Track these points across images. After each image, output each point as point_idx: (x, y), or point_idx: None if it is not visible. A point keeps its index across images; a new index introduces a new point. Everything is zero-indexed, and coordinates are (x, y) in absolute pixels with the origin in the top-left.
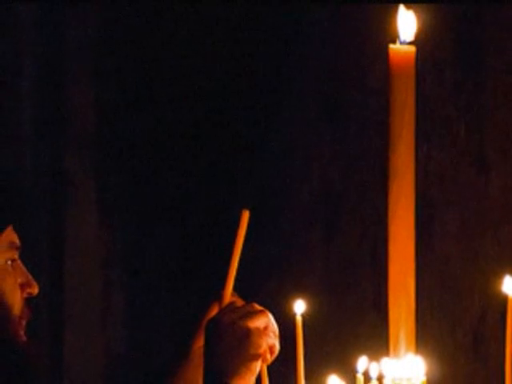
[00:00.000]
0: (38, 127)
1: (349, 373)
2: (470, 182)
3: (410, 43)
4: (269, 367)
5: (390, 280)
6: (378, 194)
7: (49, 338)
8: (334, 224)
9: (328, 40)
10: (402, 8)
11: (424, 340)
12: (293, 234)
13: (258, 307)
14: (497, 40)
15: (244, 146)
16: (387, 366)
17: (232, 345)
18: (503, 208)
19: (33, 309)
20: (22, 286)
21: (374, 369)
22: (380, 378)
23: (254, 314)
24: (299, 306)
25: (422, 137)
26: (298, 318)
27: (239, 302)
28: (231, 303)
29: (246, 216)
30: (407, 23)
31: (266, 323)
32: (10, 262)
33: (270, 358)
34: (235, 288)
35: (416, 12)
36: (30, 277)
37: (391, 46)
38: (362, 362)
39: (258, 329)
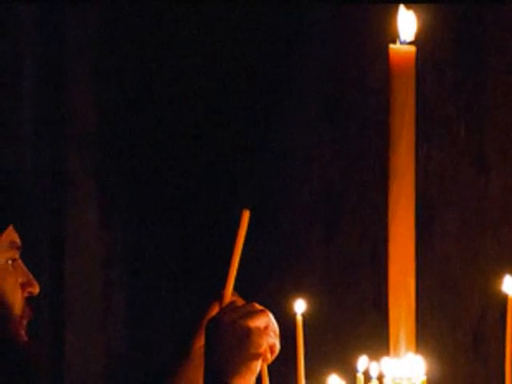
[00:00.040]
0: (38, 127)
1: (349, 372)
2: (470, 181)
3: (410, 43)
4: (269, 367)
5: (390, 280)
6: (378, 193)
7: (49, 338)
8: (334, 224)
9: (328, 40)
10: (402, 8)
11: (424, 339)
12: (293, 234)
13: (258, 307)
14: (497, 40)
15: (244, 146)
16: (387, 365)
17: (232, 344)
18: (503, 208)
19: (34, 308)
20: (23, 286)
21: (374, 368)
22: (380, 378)
23: (254, 313)
24: (299, 306)
25: (422, 137)
26: (299, 318)
27: (240, 302)
28: (231, 303)
29: (246, 216)
30: (407, 23)
31: (266, 323)
32: (10, 262)
33: (270, 358)
34: (235, 288)
35: (416, 12)
36: (31, 276)
37: (391, 45)
38: (362, 362)
39: (258, 328)
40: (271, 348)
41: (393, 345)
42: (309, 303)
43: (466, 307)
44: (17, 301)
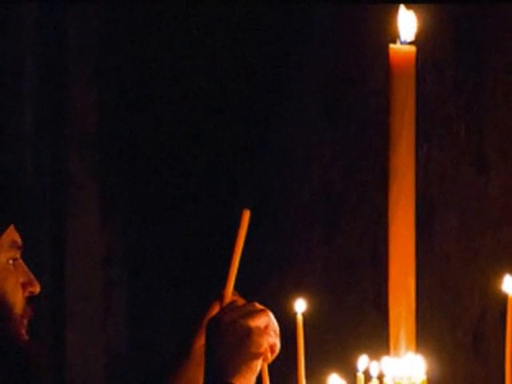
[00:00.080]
0: (38, 127)
1: (349, 372)
2: (469, 181)
3: (411, 43)
4: (270, 366)
5: (391, 279)
6: (378, 193)
7: (50, 338)
8: (334, 224)
9: (328, 40)
10: (402, 8)
11: (424, 339)
12: (293, 234)
13: (258, 306)
14: (497, 40)
15: (244, 146)
16: (387, 364)
17: (233, 344)
18: (503, 208)
19: (34, 308)
20: (24, 285)
21: (375, 368)
22: (380, 377)
23: (254, 313)
24: (300, 305)
25: (422, 137)
26: (299, 317)
27: (240, 301)
28: (232, 302)
29: (246, 215)
30: (407, 23)
31: (266, 322)
32: (11, 262)
33: (270, 357)
34: (236, 287)
35: (416, 12)
36: (32, 276)
37: (391, 45)
38: (363, 361)
39: (258, 328)
40: (272, 347)
41: (393, 344)
42: (309, 303)
43: (466, 307)
44: (18, 300)
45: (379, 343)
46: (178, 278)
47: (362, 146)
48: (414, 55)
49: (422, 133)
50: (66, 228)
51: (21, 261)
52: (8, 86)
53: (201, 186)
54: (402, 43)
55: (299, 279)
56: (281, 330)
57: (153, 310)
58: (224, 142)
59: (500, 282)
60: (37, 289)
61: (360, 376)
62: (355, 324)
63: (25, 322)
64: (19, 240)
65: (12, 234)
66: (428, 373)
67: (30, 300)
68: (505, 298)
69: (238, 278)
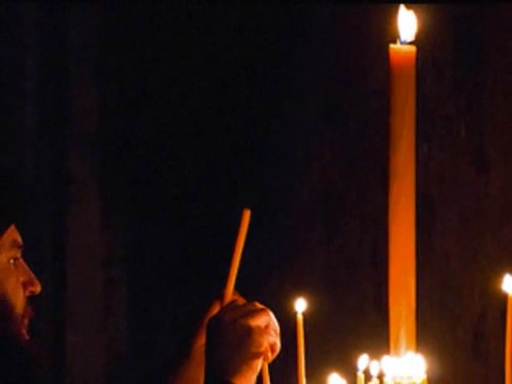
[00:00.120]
0: (39, 127)
1: (349, 371)
2: (469, 181)
3: (411, 43)
4: (270, 365)
5: (391, 279)
6: (378, 193)
7: (51, 337)
8: (335, 224)
9: (328, 40)
10: (402, 8)
11: (424, 338)
12: (293, 234)
13: (259, 306)
14: (497, 40)
15: (244, 146)
16: (388, 364)
17: (233, 343)
18: (503, 207)
19: (35, 307)
20: (25, 285)
21: (375, 367)
22: (380, 376)
23: (255, 312)
24: (300, 305)
25: (423, 137)
26: (299, 317)
27: (240, 301)
28: (232, 302)
29: (247, 215)
30: (408, 23)
31: (267, 322)
32: (12, 261)
33: (271, 357)
34: (236, 287)
35: (416, 12)
36: (33, 275)
37: (392, 45)
38: (363, 361)
39: (259, 327)
40: (272, 347)
41: (393, 344)
42: (309, 302)
43: (466, 306)
44: (18, 300)
45: (379, 342)
46: (179, 277)
47: (362, 146)
48: (414, 55)
49: (422, 133)
50: (66, 228)
51: (21, 260)
52: (9, 86)
53: (201, 185)
54: (402, 43)
55: (299, 279)
56: (281, 330)
57: (153, 309)
58: (224, 142)
59: (500, 282)
60: (37, 288)
61: (360, 375)
62: (355, 323)
63: (25, 321)
64: (20, 239)
65: (13, 233)
66: (428, 372)
67: (31, 299)
68: (505, 297)
69: (238, 278)
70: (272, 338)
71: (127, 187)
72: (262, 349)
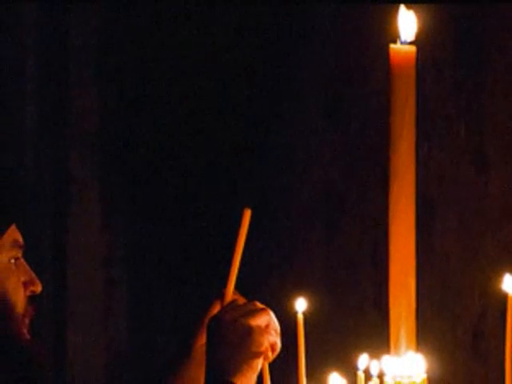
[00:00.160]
0: (40, 127)
1: (350, 370)
2: (469, 181)
3: (411, 43)
4: (270, 365)
5: (391, 279)
6: (378, 193)
7: (51, 337)
8: (335, 223)
9: (329, 40)
10: (402, 8)
11: (424, 338)
12: (293, 234)
13: (259, 305)
14: (497, 40)
15: (244, 146)
16: (388, 363)
17: (234, 343)
18: (503, 207)
19: (36, 307)
20: (26, 284)
21: (375, 366)
22: (381, 376)
23: (255, 312)
24: (300, 304)
25: (423, 137)
26: (300, 316)
27: (241, 300)
28: (233, 301)
29: (247, 215)
30: (408, 23)
31: (267, 321)
32: (13, 261)
33: (271, 356)
34: (237, 286)
35: (416, 12)
36: (34, 275)
37: (392, 45)
38: (363, 360)
39: (259, 327)
40: (272, 346)
41: (393, 343)
42: (310, 302)
43: (466, 306)
44: (19, 299)
45: (379, 342)
46: (179, 277)
47: (362, 146)
48: (414, 55)
49: (422, 133)
50: (67, 228)
51: (22, 260)
52: (9, 87)
53: (201, 185)
54: (402, 43)
55: (300, 278)
56: (281, 329)
57: (153, 309)
58: (224, 142)
59: (500, 281)
60: (38, 288)
61: (360, 375)
62: (356, 323)
63: (26, 321)
64: (21, 239)
65: (14, 233)
66: (428, 371)
67: (32, 299)
68: (505, 297)
69: (238, 277)
70: (272, 338)
71: (127, 187)
72: (263, 348)
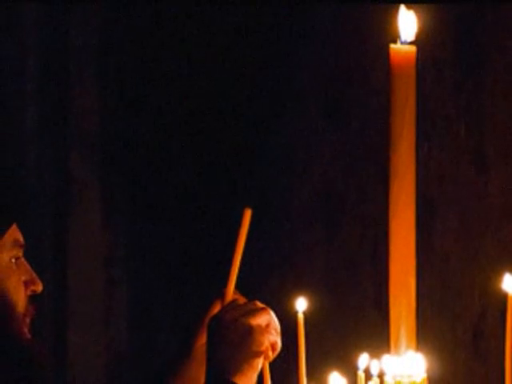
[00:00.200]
0: (40, 127)
1: (350, 370)
2: (469, 181)
3: (411, 43)
4: (271, 364)
5: (391, 279)
6: (378, 193)
7: (52, 337)
8: (335, 223)
9: (329, 40)
10: (402, 8)
11: (424, 337)
12: (294, 233)
13: (259, 305)
14: (497, 40)
15: (244, 146)
16: (388, 363)
17: (234, 342)
18: (503, 207)
19: (37, 307)
20: (26, 284)
21: (375, 366)
22: (381, 375)
23: (256, 311)
24: (301, 304)
25: (423, 136)
26: (300, 316)
27: (241, 300)
28: (233, 301)
29: (248, 214)
30: (408, 23)
31: (267, 321)
32: (14, 260)
33: (271, 356)
34: (237, 286)
35: (417, 12)
36: (34, 274)
37: (392, 45)
38: (363, 360)
39: (259, 326)
40: (273, 346)
41: (393, 343)
42: (310, 301)
43: (466, 305)
44: (20, 299)
45: (380, 342)
46: (179, 277)
47: (362, 145)
48: (414, 55)
49: (423, 133)
50: (67, 228)
51: (23, 259)
52: (9, 87)
53: (201, 185)
54: (402, 43)
55: (300, 278)
56: (282, 329)
57: (154, 309)
58: (224, 142)
59: (500, 281)
60: (39, 287)
61: (361, 374)
62: (356, 323)
63: (27, 320)
64: (21, 239)
65: (14, 232)
66: (428, 371)
67: (32, 299)
68: (505, 296)
69: (239, 277)
70: (273, 337)
71: (128, 187)
72: (263, 348)
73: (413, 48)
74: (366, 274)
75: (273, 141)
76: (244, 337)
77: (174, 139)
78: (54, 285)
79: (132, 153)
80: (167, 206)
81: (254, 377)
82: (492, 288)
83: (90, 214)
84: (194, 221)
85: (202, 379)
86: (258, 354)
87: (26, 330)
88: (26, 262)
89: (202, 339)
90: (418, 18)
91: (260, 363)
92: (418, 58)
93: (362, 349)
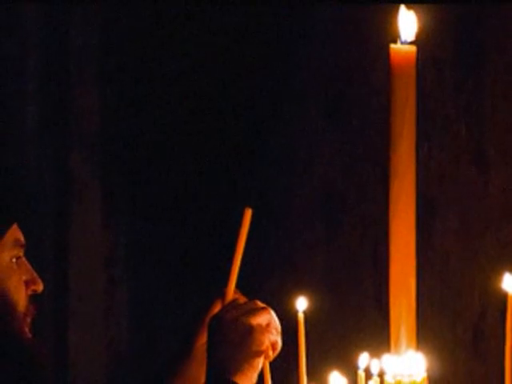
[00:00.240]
0: (41, 127)
1: (350, 369)
2: (470, 180)
3: (411, 43)
4: (271, 364)
5: (391, 278)
6: (378, 193)
7: (52, 337)
8: (335, 223)
9: (329, 40)
10: (402, 8)
11: (425, 337)
12: (294, 233)
13: (260, 304)
14: (497, 40)
15: (245, 145)
16: (388, 362)
17: (235, 342)
18: (503, 206)
19: (37, 306)
20: (27, 283)
21: (375, 365)
22: (381, 375)
23: (256, 310)
24: (301, 304)
25: (423, 136)
26: (300, 315)
27: (242, 299)
28: (234, 300)
29: (248, 214)
30: (408, 23)
31: (268, 320)
32: (14, 260)
33: (272, 355)
34: (238, 285)
35: (417, 12)
36: (35, 274)
37: (392, 45)
38: (364, 359)
39: (260, 326)
40: (273, 345)
41: (394, 342)
42: (310, 301)
43: (466, 305)
44: (21, 298)
45: (380, 341)
46: (180, 277)
47: (362, 145)
48: (414, 55)
49: (423, 132)
50: (68, 227)
51: (24, 259)
52: (10, 87)
53: (201, 185)
54: (402, 43)
55: (300, 278)
56: (282, 328)
57: (154, 309)
58: (224, 142)
59: (500, 280)
60: (40, 287)
61: (361, 374)
62: (356, 322)
63: (28, 320)
64: (22, 238)
65: (15, 232)
66: (428, 370)
67: (33, 298)
68: (505, 296)
69: (239, 277)
70: (273, 337)
71: (128, 187)
72: (264, 347)
73: (413, 48)
74: (366, 273)
75: (273, 141)
76: (244, 336)
77: (174, 139)
78: (54, 285)
79: (132, 153)
80: (167, 206)
81: (255, 376)
82: (492, 288)
83: (91, 213)
84: (194, 221)
85: (203, 379)
86: (258, 354)
87: (26, 329)
88: (26, 262)
89: (203, 339)
90: (418, 18)
91: (260, 363)
92: (418, 58)
93: (362, 348)
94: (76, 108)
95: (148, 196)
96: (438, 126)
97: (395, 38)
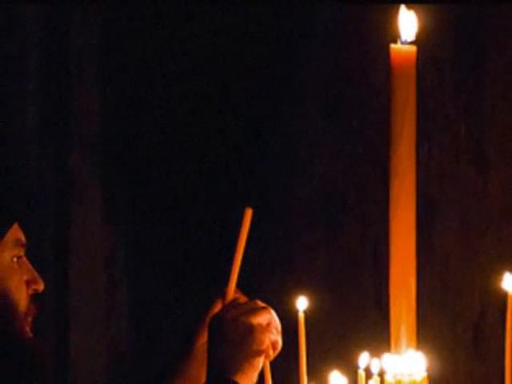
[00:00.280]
0: (42, 127)
1: (350, 369)
2: (470, 180)
3: (411, 43)
4: (271, 363)
5: (391, 278)
6: (379, 193)
7: (53, 337)
8: (335, 223)
9: (329, 40)
10: (403, 8)
11: (425, 336)
12: (295, 233)
13: (260, 304)
14: (497, 40)
15: (245, 145)
16: (388, 362)
17: (235, 341)
18: (503, 206)
19: (38, 306)
20: (28, 283)
21: (376, 365)
22: (381, 374)
23: (256, 310)
24: (301, 303)
25: (423, 136)
26: (301, 315)
27: (242, 299)
28: (234, 300)
29: (249, 213)
30: (408, 23)
31: (268, 320)
32: (15, 259)
33: (272, 354)
34: (238, 285)
35: (417, 12)
36: (36, 274)
37: (392, 45)
38: (364, 358)
39: (260, 325)
40: (273, 345)
41: (394, 342)
42: (311, 301)
43: (466, 305)
44: (22, 298)
45: (380, 341)
46: (181, 277)
47: (362, 145)
48: (414, 55)
49: (423, 132)
50: (69, 228)
51: (25, 259)
52: (10, 86)
53: (201, 185)
54: (402, 43)
55: (300, 278)
56: (283, 328)
57: (155, 309)
58: (224, 142)
59: (500, 280)
60: (41, 286)
61: (361, 373)
62: (356, 322)
63: (29, 319)
64: (23, 238)
65: (16, 232)
66: (428, 370)
67: (34, 298)
68: (505, 295)
69: (240, 276)
70: (273, 336)
71: (128, 187)
72: (264, 347)
73: (413, 48)
74: (366, 273)
75: (273, 141)
76: (245, 336)
77: (174, 139)
78: (55, 284)
79: (132, 153)
80: (167, 206)
81: (255, 376)
82: (492, 287)
83: (91, 214)
84: (194, 221)
85: (203, 378)
86: (258, 353)
87: (27, 329)
88: (27, 262)
89: (203, 338)
90: (418, 17)
91: (261, 362)
92: (418, 58)
93: (362, 348)
94: (76, 108)
95: (148, 196)
96: (437, 126)
97: (395, 38)
